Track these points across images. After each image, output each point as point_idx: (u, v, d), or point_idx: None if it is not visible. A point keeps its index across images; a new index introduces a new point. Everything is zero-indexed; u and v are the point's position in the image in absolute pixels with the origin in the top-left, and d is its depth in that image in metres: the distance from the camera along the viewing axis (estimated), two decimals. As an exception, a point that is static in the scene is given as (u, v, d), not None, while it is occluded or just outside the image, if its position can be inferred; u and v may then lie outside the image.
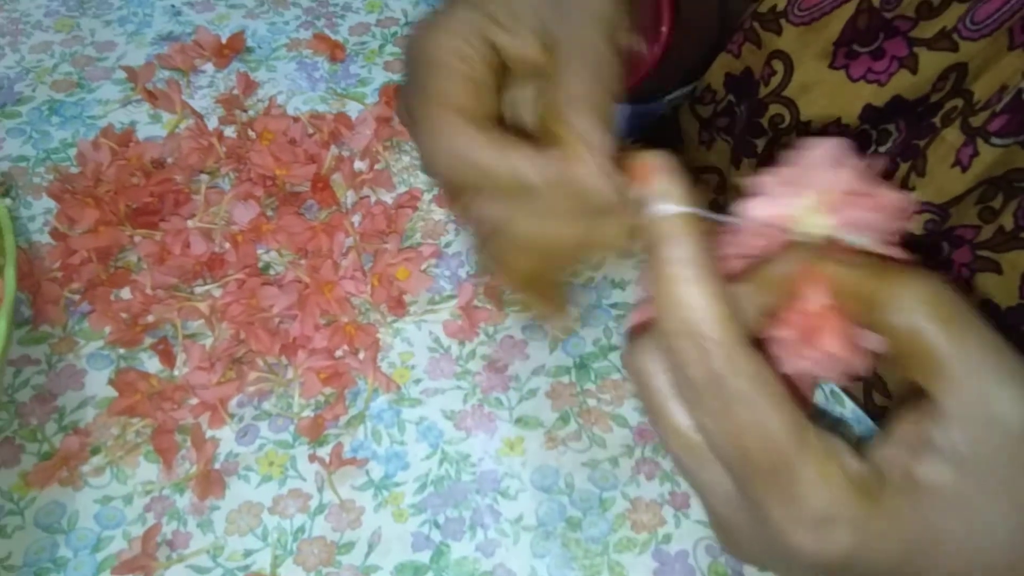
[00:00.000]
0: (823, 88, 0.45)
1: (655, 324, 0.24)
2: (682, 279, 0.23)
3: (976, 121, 0.39)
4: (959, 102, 0.41)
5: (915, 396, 0.23)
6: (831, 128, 0.46)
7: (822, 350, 0.23)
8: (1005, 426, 0.21)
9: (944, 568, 0.22)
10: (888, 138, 0.44)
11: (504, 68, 0.31)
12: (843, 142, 0.25)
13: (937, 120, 0.42)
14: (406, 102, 0.32)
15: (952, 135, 0.41)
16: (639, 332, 0.26)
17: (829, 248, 0.24)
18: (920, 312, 0.22)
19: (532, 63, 0.31)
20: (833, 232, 0.24)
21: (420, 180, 0.50)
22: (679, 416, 0.25)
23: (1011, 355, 0.22)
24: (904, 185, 0.44)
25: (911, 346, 0.22)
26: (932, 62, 0.41)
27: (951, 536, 0.22)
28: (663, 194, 0.24)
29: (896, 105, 0.43)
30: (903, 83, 0.43)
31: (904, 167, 0.44)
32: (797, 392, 0.24)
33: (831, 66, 0.45)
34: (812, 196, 0.24)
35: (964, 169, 0.41)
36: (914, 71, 0.42)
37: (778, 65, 0.47)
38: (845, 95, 0.44)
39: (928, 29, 0.41)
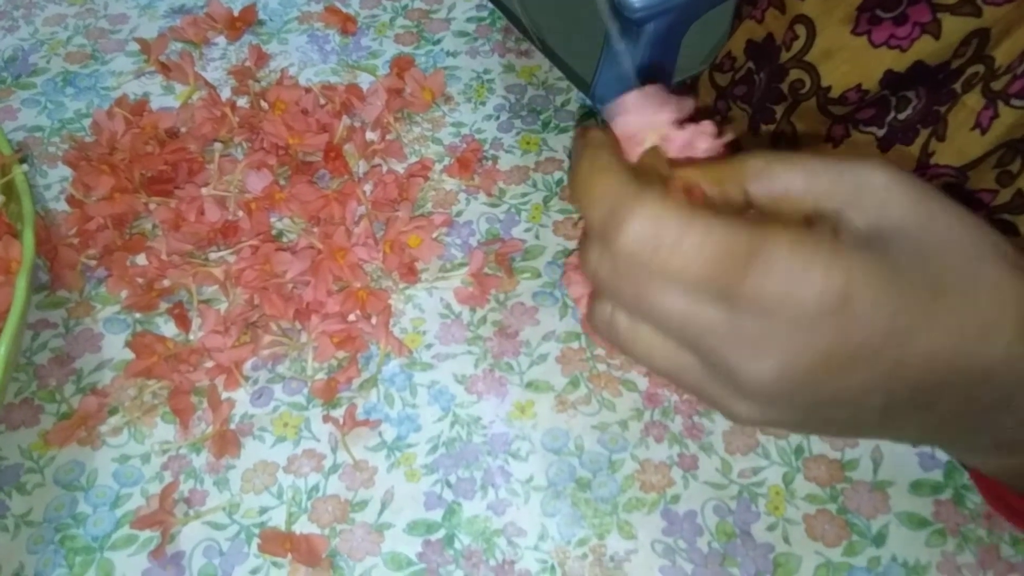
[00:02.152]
0: (845, 54, 0.45)
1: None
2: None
3: (997, 85, 0.39)
4: (980, 68, 0.41)
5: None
6: (851, 94, 0.46)
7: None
8: (878, 185, 0.23)
9: (917, 305, 0.22)
10: (907, 105, 0.45)
11: None
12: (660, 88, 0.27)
13: (958, 86, 0.42)
14: None
15: (973, 99, 0.41)
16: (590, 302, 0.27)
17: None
18: (762, 162, 0.25)
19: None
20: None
21: (431, 150, 0.50)
22: (647, 337, 0.25)
23: (839, 154, 0.24)
24: (924, 150, 0.44)
25: (774, 187, 0.24)
26: (955, 27, 0.41)
27: (908, 276, 0.22)
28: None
29: (917, 71, 0.43)
30: (925, 49, 0.43)
31: (925, 133, 0.44)
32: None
33: (853, 31, 0.45)
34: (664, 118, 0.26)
35: (984, 132, 0.41)
36: (937, 36, 0.42)
37: (800, 30, 0.47)
38: (867, 61, 0.45)
39: None
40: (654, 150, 0.26)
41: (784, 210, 0.25)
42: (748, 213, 0.25)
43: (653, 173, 0.26)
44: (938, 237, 0.23)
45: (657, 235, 0.22)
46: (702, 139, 0.26)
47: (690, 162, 0.26)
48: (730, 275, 0.22)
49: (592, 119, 0.52)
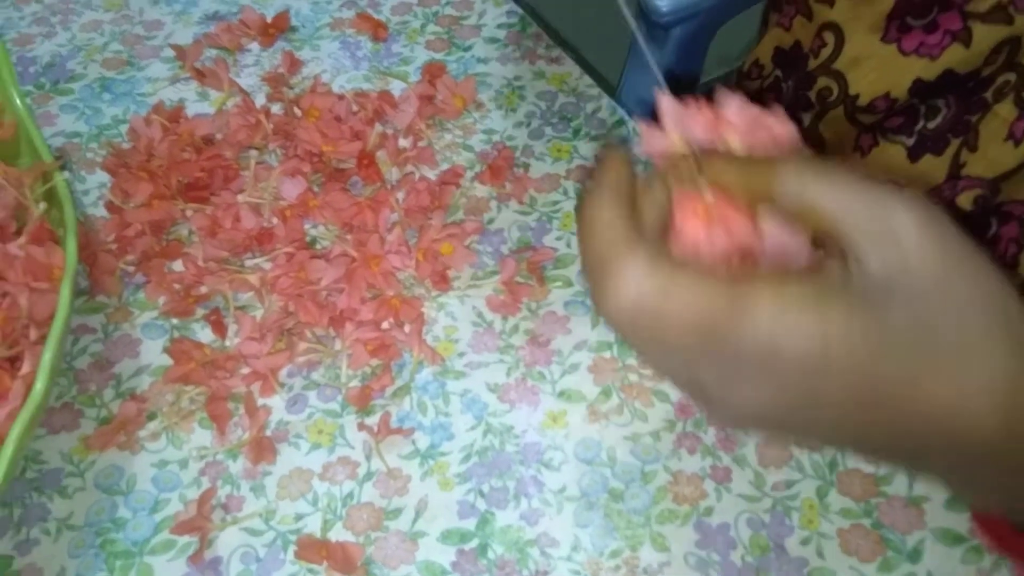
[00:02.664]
0: (874, 61, 0.45)
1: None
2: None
3: None
4: (1012, 76, 0.41)
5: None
6: (879, 102, 0.46)
7: (727, 237, 0.25)
8: (902, 233, 0.23)
9: (907, 365, 0.22)
10: (937, 114, 0.44)
11: None
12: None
13: (989, 95, 0.42)
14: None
15: (1005, 109, 0.41)
16: None
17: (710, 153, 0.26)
18: (796, 174, 0.24)
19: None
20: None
21: (462, 157, 0.50)
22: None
23: (877, 181, 0.24)
24: (955, 161, 0.44)
25: (802, 203, 0.24)
26: (986, 35, 0.41)
27: (903, 334, 0.22)
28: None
29: (947, 79, 0.43)
30: (955, 57, 0.42)
31: (955, 143, 0.44)
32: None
33: (883, 39, 0.44)
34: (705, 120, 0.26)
35: (1017, 143, 0.41)
36: (967, 45, 0.42)
37: (829, 37, 0.47)
38: (896, 69, 0.44)
39: (983, 3, 0.41)
40: (685, 149, 0.26)
41: (805, 220, 0.25)
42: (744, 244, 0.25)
43: (681, 172, 0.26)
44: (948, 298, 0.22)
45: (638, 302, 0.23)
46: (764, 128, 0.26)
47: (725, 155, 0.26)
48: (710, 338, 0.23)
49: (623, 127, 0.52)
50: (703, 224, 0.25)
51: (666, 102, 0.27)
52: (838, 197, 0.24)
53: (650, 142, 0.27)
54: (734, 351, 0.22)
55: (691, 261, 0.24)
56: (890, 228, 0.23)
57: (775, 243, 0.25)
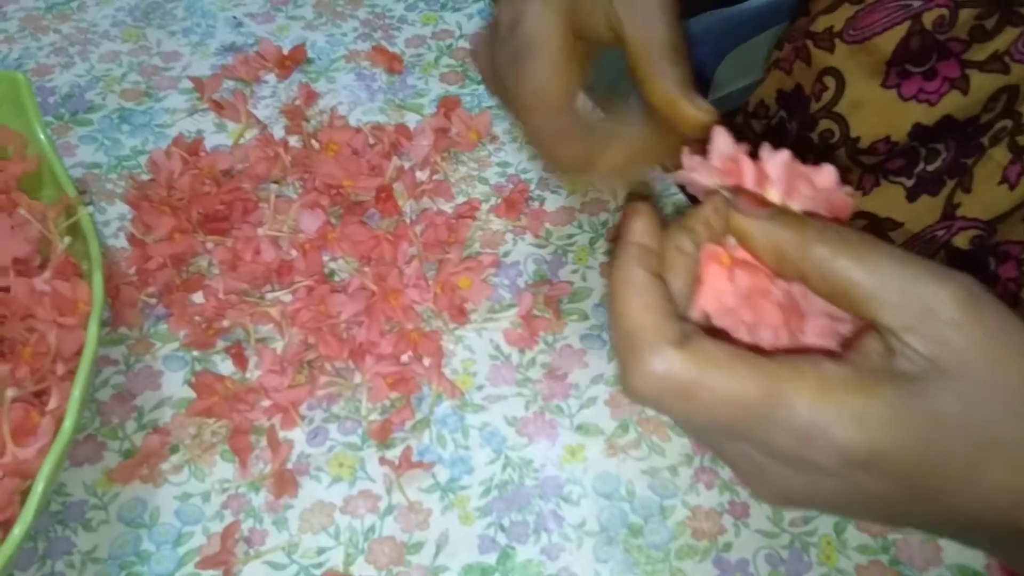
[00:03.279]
0: (874, 106, 0.46)
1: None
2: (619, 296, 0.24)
3: (1023, 140, 0.40)
4: (1008, 123, 0.42)
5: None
6: (880, 145, 0.47)
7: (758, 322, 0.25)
8: (943, 315, 0.22)
9: (961, 455, 0.22)
10: (937, 157, 0.45)
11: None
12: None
13: (986, 140, 0.43)
14: (499, 74, 0.35)
15: (999, 154, 0.42)
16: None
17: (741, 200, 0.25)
18: (828, 252, 0.23)
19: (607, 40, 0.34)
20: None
21: (477, 190, 0.51)
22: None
23: (915, 258, 0.23)
24: (949, 201, 0.45)
25: (834, 284, 0.24)
26: (983, 84, 0.42)
27: (954, 420, 0.22)
28: (626, 230, 0.26)
29: (946, 124, 0.44)
30: (954, 103, 0.44)
31: (950, 184, 0.45)
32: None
33: (883, 85, 0.46)
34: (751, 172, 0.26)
35: (1012, 187, 0.42)
36: (965, 92, 0.43)
37: (830, 81, 0.48)
38: (896, 113, 0.45)
39: (981, 52, 0.42)
40: (719, 208, 0.26)
41: (837, 299, 0.24)
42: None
43: (712, 224, 0.26)
44: (1000, 383, 0.22)
45: (665, 389, 0.23)
46: (807, 186, 0.25)
47: (758, 220, 0.25)
48: (741, 427, 0.22)
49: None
50: (728, 277, 0.25)
51: (722, 139, 0.27)
52: (874, 285, 0.23)
53: (690, 173, 0.27)
54: (767, 439, 0.22)
55: (721, 344, 0.23)
56: (929, 313, 0.22)
57: (819, 301, 0.25)
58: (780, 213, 0.25)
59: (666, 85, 0.31)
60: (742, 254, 0.26)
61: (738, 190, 0.26)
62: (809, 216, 0.25)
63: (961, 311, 0.22)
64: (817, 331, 0.25)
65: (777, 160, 0.26)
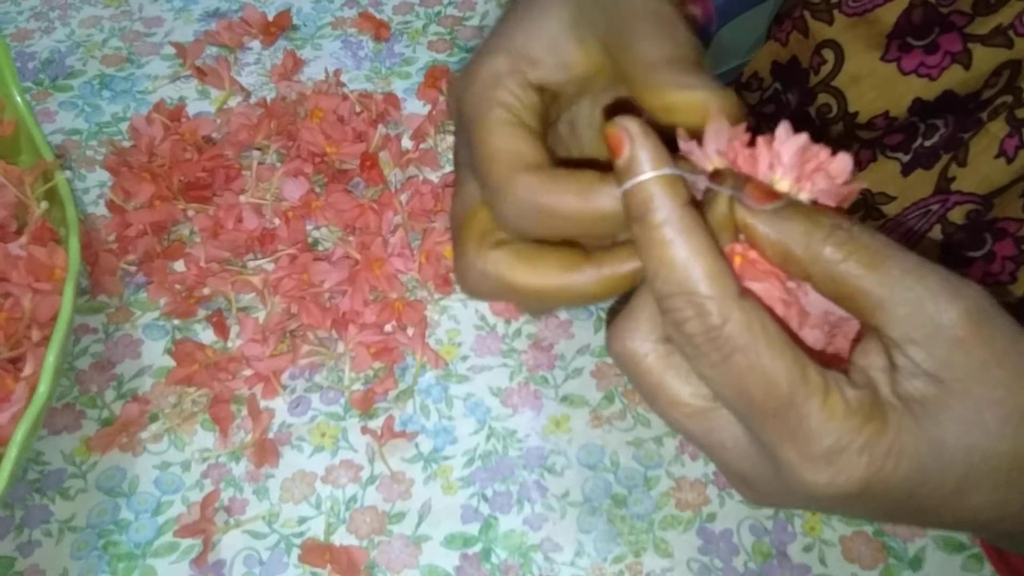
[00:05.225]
0: (873, 80, 0.45)
1: (633, 304, 0.25)
2: (667, 241, 0.23)
3: (1022, 113, 0.39)
4: (1009, 98, 0.41)
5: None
6: (878, 120, 0.46)
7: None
8: (950, 332, 0.22)
9: (952, 480, 0.22)
10: (935, 132, 0.45)
11: (553, 98, 0.30)
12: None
13: (985, 115, 0.42)
14: (463, 157, 0.31)
15: (997, 127, 0.41)
16: (615, 318, 0.26)
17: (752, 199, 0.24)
18: (838, 256, 0.23)
19: (577, 79, 0.30)
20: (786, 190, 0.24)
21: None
22: (677, 387, 0.25)
23: (927, 267, 0.23)
24: (944, 175, 0.44)
25: (841, 289, 0.23)
26: (986, 58, 0.41)
27: (952, 444, 0.22)
28: (633, 162, 0.24)
29: (946, 100, 0.43)
30: (955, 78, 0.43)
31: (945, 157, 0.44)
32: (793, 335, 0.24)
33: (883, 58, 0.45)
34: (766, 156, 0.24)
35: (1009, 160, 0.41)
36: (967, 67, 0.42)
37: (828, 54, 0.47)
38: (895, 88, 0.45)
39: (984, 25, 0.41)
40: (725, 201, 0.24)
41: (844, 303, 0.23)
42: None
43: (716, 216, 0.24)
44: (996, 407, 0.22)
45: (674, 426, 0.24)
46: (821, 176, 0.24)
47: (764, 215, 0.24)
48: (752, 476, 0.24)
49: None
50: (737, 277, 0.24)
51: (716, 125, 0.25)
52: (883, 295, 0.22)
53: (689, 156, 0.25)
54: (769, 481, 0.24)
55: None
56: (937, 330, 0.22)
57: (819, 301, 0.24)
58: (787, 208, 0.24)
59: (664, 77, 0.27)
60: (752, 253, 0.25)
61: (745, 179, 0.24)
62: (818, 209, 0.24)
63: (969, 329, 0.22)
64: (815, 334, 0.25)
65: (792, 144, 0.24)
